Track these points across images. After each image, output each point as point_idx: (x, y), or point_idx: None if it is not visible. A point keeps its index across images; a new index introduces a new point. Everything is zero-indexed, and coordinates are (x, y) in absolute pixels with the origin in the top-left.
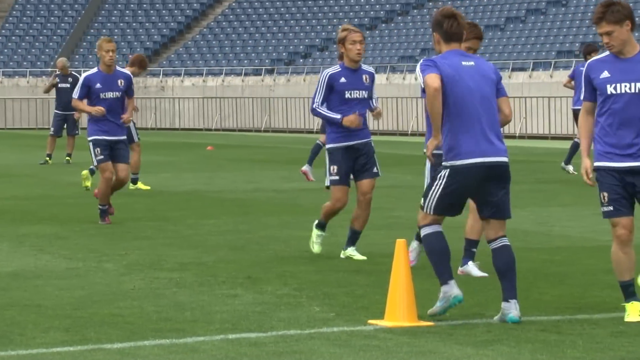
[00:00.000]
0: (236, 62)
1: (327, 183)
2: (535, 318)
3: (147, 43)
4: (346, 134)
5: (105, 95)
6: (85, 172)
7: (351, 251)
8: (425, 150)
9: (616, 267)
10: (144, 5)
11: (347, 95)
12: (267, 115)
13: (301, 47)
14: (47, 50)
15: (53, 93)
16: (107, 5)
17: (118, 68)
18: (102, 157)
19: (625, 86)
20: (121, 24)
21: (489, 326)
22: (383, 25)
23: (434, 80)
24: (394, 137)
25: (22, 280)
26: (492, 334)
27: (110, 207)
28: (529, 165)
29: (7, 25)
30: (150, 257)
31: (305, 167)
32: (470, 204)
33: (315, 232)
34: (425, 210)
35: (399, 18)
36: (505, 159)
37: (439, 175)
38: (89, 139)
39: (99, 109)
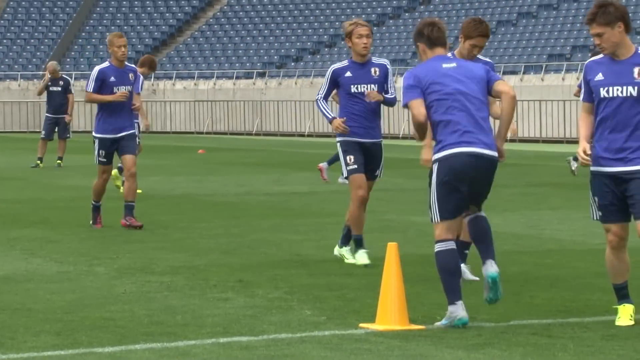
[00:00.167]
0: (228, 66)
1: (344, 174)
2: (526, 321)
3: (139, 46)
4: (357, 130)
5: (118, 89)
6: (114, 171)
7: (345, 252)
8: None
9: (610, 270)
10: (136, 9)
11: (353, 89)
12: (258, 119)
13: (293, 50)
14: (38, 53)
15: (44, 96)
16: (98, 9)
17: (126, 62)
18: (104, 160)
19: (617, 90)
20: (112, 28)
21: (480, 330)
22: (375, 28)
23: (418, 109)
24: (384, 140)
25: (13, 284)
26: (483, 337)
27: (136, 221)
28: (520, 169)
29: None
30: (141, 261)
31: (324, 164)
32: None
33: (344, 250)
34: (433, 220)
35: (391, 22)
36: (493, 153)
37: (430, 175)
38: (95, 135)
39: (122, 93)
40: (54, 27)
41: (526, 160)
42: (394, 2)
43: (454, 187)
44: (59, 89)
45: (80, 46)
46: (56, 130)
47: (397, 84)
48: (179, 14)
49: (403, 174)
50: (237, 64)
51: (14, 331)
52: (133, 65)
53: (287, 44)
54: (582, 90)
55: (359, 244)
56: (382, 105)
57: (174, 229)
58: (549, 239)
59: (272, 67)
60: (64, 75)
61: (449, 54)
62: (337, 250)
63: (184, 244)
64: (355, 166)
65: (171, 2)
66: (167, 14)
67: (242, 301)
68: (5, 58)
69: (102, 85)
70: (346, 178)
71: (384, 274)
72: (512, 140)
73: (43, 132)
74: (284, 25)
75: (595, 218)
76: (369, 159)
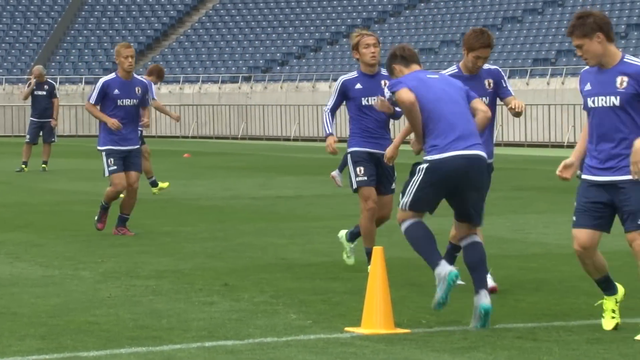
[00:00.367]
0: (213, 70)
1: (353, 186)
2: (511, 325)
3: None
4: (369, 141)
5: (122, 103)
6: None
7: (348, 248)
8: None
9: (586, 272)
10: (121, 13)
11: (364, 102)
12: (244, 123)
13: (278, 54)
14: (23, 57)
15: (29, 100)
16: (83, 13)
17: (136, 75)
18: (114, 167)
19: (602, 99)
20: (98, 32)
21: (465, 333)
22: (376, 26)
23: (407, 94)
24: None
25: None
26: (468, 341)
27: (129, 232)
28: (505, 173)
29: None
30: (126, 265)
31: (336, 172)
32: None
33: (347, 246)
34: (401, 206)
35: (376, 26)
36: (483, 154)
37: (417, 169)
38: (101, 148)
39: (115, 123)
40: (39, 31)
41: (511, 165)
42: (379, 7)
43: (437, 189)
44: (44, 93)
45: (65, 50)
46: (41, 134)
47: None
48: (165, 18)
49: None
50: (222, 68)
51: None
52: (143, 79)
53: (273, 48)
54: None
55: (369, 257)
56: None
57: (159, 233)
58: (534, 242)
59: (258, 71)
60: (48, 80)
61: (454, 67)
62: (342, 236)
63: (169, 248)
64: (365, 178)
65: (157, 7)
66: (153, 18)
67: (228, 305)
68: None
69: (105, 97)
70: (355, 191)
71: (369, 277)
72: (497, 144)
73: (28, 137)
74: (269, 29)
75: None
76: (381, 171)
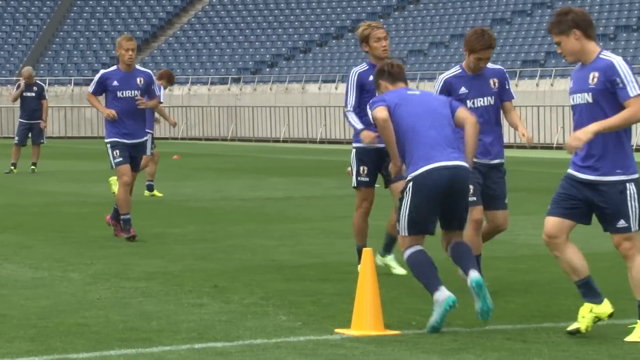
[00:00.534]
0: (202, 71)
1: (353, 184)
2: (501, 327)
3: (113, 52)
4: (379, 136)
5: (122, 94)
6: (113, 178)
7: (391, 261)
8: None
9: (564, 270)
10: (110, 14)
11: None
12: (233, 124)
13: (268, 56)
14: (12, 59)
15: (18, 102)
16: (72, 14)
17: (138, 67)
18: (120, 159)
19: (579, 97)
20: (87, 33)
21: (455, 335)
22: (349, 34)
23: (380, 111)
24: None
25: None
26: (458, 342)
27: (120, 231)
28: None
29: None
30: (116, 267)
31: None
32: (472, 215)
33: (388, 259)
34: (400, 232)
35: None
36: (464, 163)
37: (405, 191)
38: (107, 141)
39: (110, 113)
40: (28, 33)
41: None
42: (368, 8)
43: (427, 204)
44: (33, 94)
45: (54, 51)
46: (30, 135)
47: None
48: (154, 20)
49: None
50: (211, 70)
51: None
52: (146, 70)
53: (262, 49)
54: None
55: (359, 255)
56: None
57: (149, 235)
58: (523, 244)
59: (247, 72)
60: (37, 81)
61: (457, 67)
62: (380, 260)
63: (159, 250)
64: (367, 179)
65: (146, 8)
66: (142, 20)
67: (217, 307)
68: None
69: (104, 89)
70: (355, 187)
71: (359, 279)
72: None
73: (16, 138)
74: (258, 31)
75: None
76: (387, 164)
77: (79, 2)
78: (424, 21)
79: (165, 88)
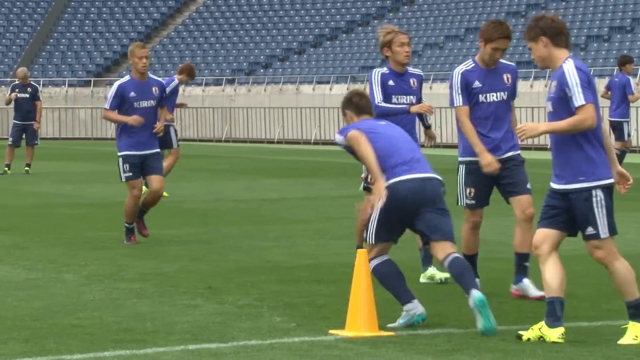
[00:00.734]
0: (197, 72)
1: (360, 188)
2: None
3: (107, 53)
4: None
5: (139, 105)
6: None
7: (432, 270)
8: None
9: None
10: (104, 15)
11: (394, 100)
12: (227, 126)
13: (262, 57)
14: (6, 60)
15: (12, 103)
16: (66, 15)
17: (151, 75)
18: (130, 174)
19: (547, 105)
20: (81, 34)
21: (449, 336)
22: (344, 35)
23: (355, 132)
24: None
25: None
26: (452, 343)
27: (145, 229)
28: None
29: None
30: (110, 268)
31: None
32: (471, 216)
33: (429, 272)
34: (367, 240)
35: (359, 28)
36: (437, 177)
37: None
38: (119, 154)
39: (136, 118)
40: (22, 34)
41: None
42: (362, 9)
43: (397, 214)
44: (27, 95)
45: (48, 53)
46: (24, 137)
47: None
48: (148, 21)
49: None
50: (206, 71)
51: None
52: (159, 79)
53: (257, 50)
54: None
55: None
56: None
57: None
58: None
59: (241, 73)
60: (32, 82)
61: (470, 61)
62: (423, 277)
63: (153, 251)
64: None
65: (140, 9)
66: (136, 21)
67: (212, 308)
68: None
69: (122, 101)
70: (363, 190)
71: (353, 280)
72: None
73: (10, 139)
74: (252, 32)
75: None
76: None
77: (73, 3)
78: (418, 22)
79: (185, 83)
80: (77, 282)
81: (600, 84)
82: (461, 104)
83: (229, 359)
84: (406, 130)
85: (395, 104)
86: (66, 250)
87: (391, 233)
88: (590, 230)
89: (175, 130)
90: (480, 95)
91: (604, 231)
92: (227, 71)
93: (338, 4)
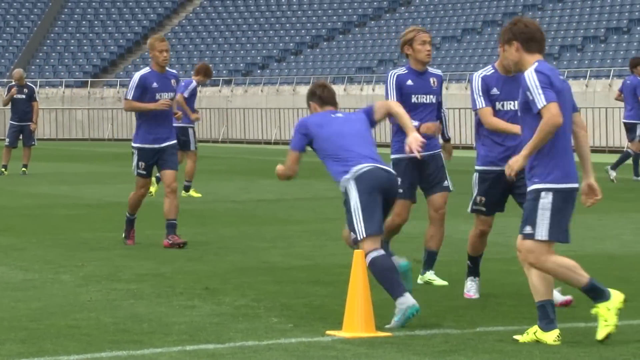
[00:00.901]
0: (194, 73)
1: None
2: (493, 328)
3: (104, 54)
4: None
5: (160, 96)
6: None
7: (430, 275)
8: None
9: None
10: (101, 16)
11: (414, 99)
12: (224, 126)
13: (259, 58)
14: (2, 60)
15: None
16: (63, 16)
17: (167, 68)
18: (144, 172)
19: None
20: (78, 35)
21: (446, 337)
22: (340, 36)
23: (294, 163)
24: None
25: None
26: (449, 344)
27: (179, 238)
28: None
29: None
30: (107, 269)
31: None
32: (480, 224)
33: (427, 276)
34: (359, 237)
35: (356, 29)
36: (392, 170)
37: (347, 197)
38: (135, 145)
39: (165, 102)
40: (18, 35)
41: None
42: (359, 10)
43: (373, 198)
44: (24, 96)
45: (45, 53)
46: (21, 137)
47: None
48: (145, 22)
49: None
50: None
51: None
52: (174, 71)
53: (254, 51)
54: None
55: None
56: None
57: (140, 237)
58: (515, 246)
59: (238, 74)
60: (28, 83)
61: (490, 67)
62: (421, 279)
63: (150, 252)
64: (400, 190)
65: (137, 10)
66: (133, 22)
67: (209, 309)
68: None
69: (144, 92)
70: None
71: (350, 281)
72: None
73: (7, 140)
74: (249, 32)
75: None
76: (430, 172)
77: (69, 3)
78: (415, 23)
79: (202, 84)
80: (74, 282)
81: (597, 85)
82: (484, 105)
83: (226, 359)
84: (432, 120)
85: (414, 103)
86: (63, 251)
87: (378, 221)
88: (528, 229)
89: (194, 132)
90: (497, 103)
91: (540, 233)
92: (224, 72)
93: (335, 5)
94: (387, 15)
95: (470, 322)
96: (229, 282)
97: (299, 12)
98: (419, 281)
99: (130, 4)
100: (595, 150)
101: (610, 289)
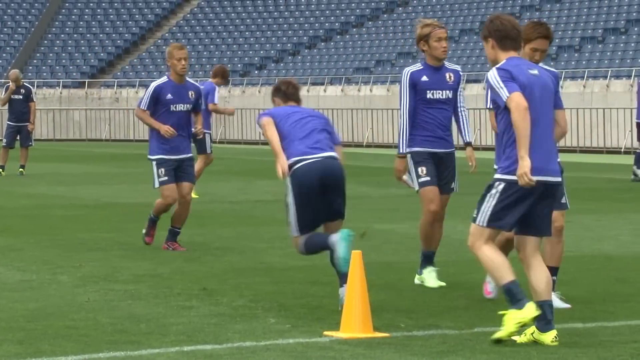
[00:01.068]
0: (191, 74)
1: (415, 187)
2: (490, 329)
3: (101, 54)
4: (431, 140)
5: (175, 108)
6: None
7: (426, 275)
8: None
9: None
10: (98, 17)
11: (429, 95)
12: (222, 127)
13: (256, 58)
14: (0, 61)
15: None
16: (61, 17)
17: (188, 79)
18: (165, 178)
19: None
20: (75, 35)
21: (444, 337)
22: (338, 37)
23: (266, 120)
24: (349, 149)
25: None
26: (447, 345)
27: (181, 247)
28: (484, 177)
29: None
30: (105, 269)
31: (406, 176)
32: (503, 238)
33: (426, 271)
34: (294, 233)
35: (354, 30)
36: (335, 154)
37: (287, 196)
38: (152, 157)
39: (168, 130)
40: (16, 35)
41: (489, 169)
42: (357, 11)
43: (307, 196)
44: (21, 97)
45: (42, 54)
46: (18, 138)
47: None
48: (142, 22)
49: (367, 181)
50: (200, 72)
51: None
52: (196, 84)
53: (251, 52)
54: None
55: (428, 261)
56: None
57: (138, 237)
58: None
59: (236, 75)
60: (25, 84)
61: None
62: (417, 279)
63: (148, 252)
64: (428, 178)
65: (134, 10)
66: (130, 22)
67: (207, 309)
68: None
69: (157, 103)
70: (417, 192)
71: (348, 281)
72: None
73: (4, 141)
74: (247, 33)
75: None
76: (443, 170)
77: (67, 4)
78: (412, 24)
79: (220, 86)
80: (72, 283)
81: (595, 86)
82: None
83: None
84: (441, 125)
85: (429, 99)
86: (61, 251)
87: (313, 220)
88: (474, 212)
89: (211, 136)
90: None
91: (480, 218)
92: None
93: (332, 5)
94: (385, 15)
95: (467, 322)
96: (227, 282)
97: (297, 13)
98: (416, 281)
99: (128, 4)
100: (594, 151)
101: (529, 303)
